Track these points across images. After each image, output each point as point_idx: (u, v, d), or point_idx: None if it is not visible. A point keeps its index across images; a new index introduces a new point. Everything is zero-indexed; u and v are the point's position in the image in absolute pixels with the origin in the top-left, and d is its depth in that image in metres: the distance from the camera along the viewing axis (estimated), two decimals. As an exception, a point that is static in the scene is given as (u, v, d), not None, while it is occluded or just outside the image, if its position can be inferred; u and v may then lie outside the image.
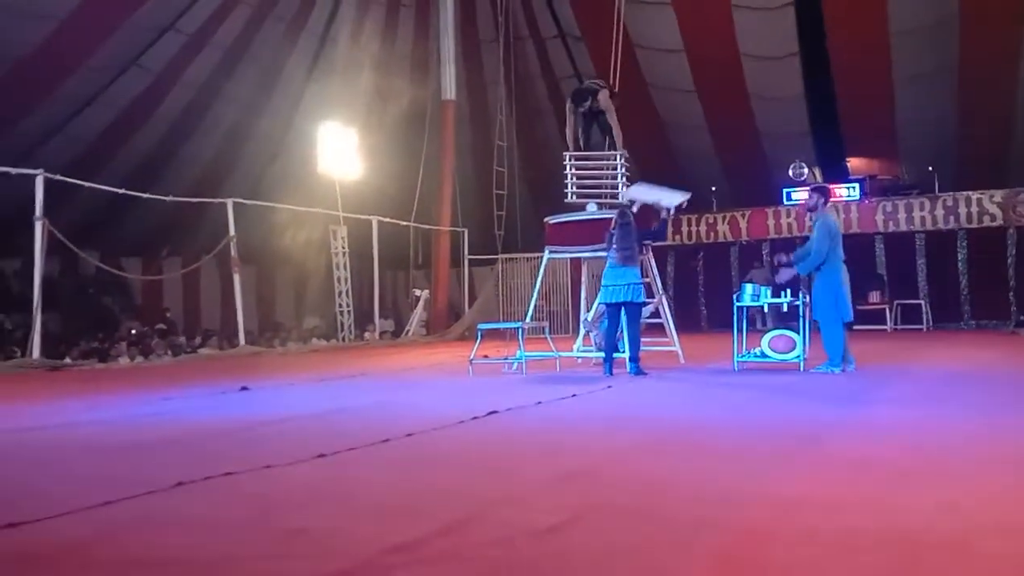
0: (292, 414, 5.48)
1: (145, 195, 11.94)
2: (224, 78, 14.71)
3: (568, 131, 9.81)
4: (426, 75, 17.46)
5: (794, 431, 4.31)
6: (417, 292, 16.39)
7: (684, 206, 9.03)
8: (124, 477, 3.43)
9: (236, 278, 12.73)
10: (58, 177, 10.41)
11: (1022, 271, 14.15)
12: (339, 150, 15.00)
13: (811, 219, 7.86)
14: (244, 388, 7.08)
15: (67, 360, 10.88)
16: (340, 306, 15.13)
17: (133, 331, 14.20)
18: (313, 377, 8.49)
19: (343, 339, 14.88)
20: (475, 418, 4.85)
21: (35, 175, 10.03)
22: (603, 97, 9.59)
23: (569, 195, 9.55)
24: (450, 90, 16.89)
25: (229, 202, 12.84)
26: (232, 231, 12.73)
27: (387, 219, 15.98)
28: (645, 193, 8.83)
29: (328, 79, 16.05)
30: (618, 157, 9.29)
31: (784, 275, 7.87)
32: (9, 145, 12.17)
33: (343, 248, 15.23)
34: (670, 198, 8.77)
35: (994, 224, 14.87)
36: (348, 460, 3.72)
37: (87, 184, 11.05)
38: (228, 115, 15.27)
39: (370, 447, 3.99)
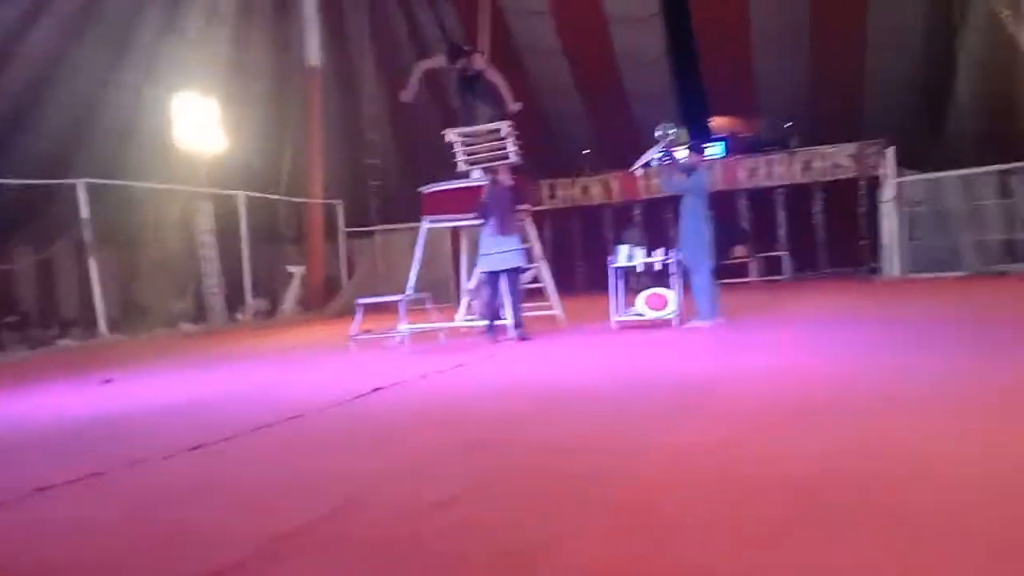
0: (162, 404, 5.18)
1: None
2: (70, 47, 13.55)
3: (411, 86, 9.61)
4: (288, 41, 16.72)
5: (678, 385, 4.44)
6: (291, 268, 15.83)
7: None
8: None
9: (92, 264, 11.90)
10: None
11: (873, 220, 15.16)
12: (199, 122, 14.18)
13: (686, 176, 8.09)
14: (107, 380, 6.63)
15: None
16: (208, 287, 14.43)
17: (-18, 326, 13.05)
18: (182, 364, 8.07)
19: (214, 321, 14.23)
20: (359, 397, 4.74)
21: None
22: (479, 58, 9.42)
23: (460, 166, 9.36)
24: (314, 56, 16.26)
25: (80, 183, 11.93)
26: (85, 214, 11.85)
27: (255, 193, 15.30)
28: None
29: (182, 47, 15.08)
30: (505, 129, 9.06)
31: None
32: None
33: (209, 226, 14.49)
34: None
35: (847, 176, 15.83)
36: (227, 449, 3.55)
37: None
38: (75, 88, 14.11)
39: (249, 434, 3.82)
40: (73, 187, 11.97)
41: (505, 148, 9.00)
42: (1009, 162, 13.19)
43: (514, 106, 9.29)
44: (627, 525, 2.16)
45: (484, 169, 9.05)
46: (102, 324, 11.93)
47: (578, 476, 2.65)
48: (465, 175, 9.34)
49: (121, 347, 11.23)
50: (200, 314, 14.69)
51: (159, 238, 14.69)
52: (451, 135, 9.24)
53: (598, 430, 3.39)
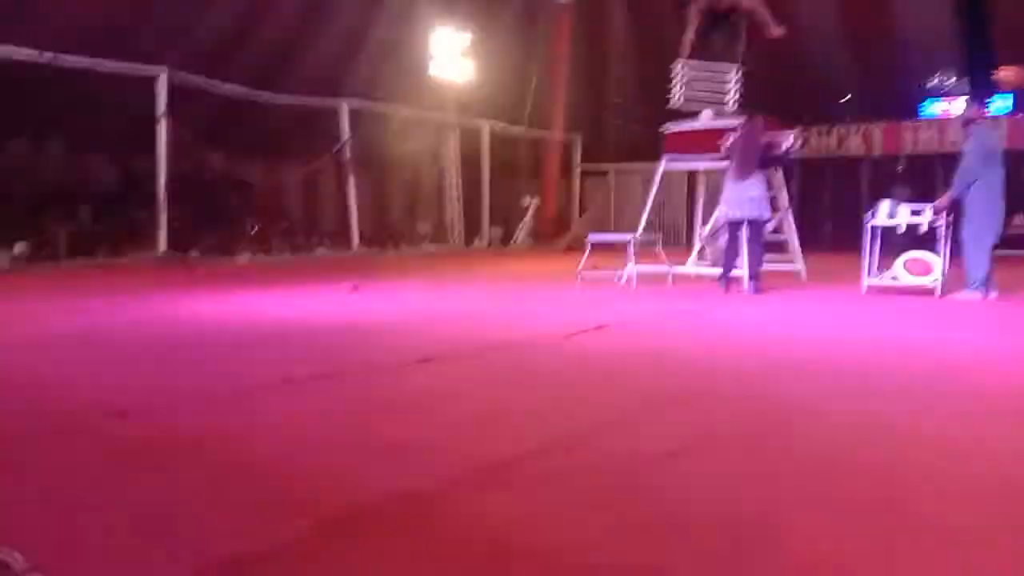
0: (399, 318, 5.47)
1: (263, 96, 12.05)
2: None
3: (686, 34, 8.97)
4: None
5: (938, 362, 3.91)
6: (526, 200, 16.17)
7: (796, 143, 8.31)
8: (235, 372, 3.48)
9: (351, 181, 12.87)
10: (181, 73, 10.62)
11: None
12: (452, 54, 14.69)
13: (965, 135, 7.07)
14: (355, 288, 7.15)
15: (192, 253, 11.36)
16: (451, 212, 15.14)
17: (254, 229, 14.66)
18: (422, 280, 8.52)
19: (453, 243, 14.95)
20: (583, 331, 4.68)
21: (158, 73, 10.26)
22: None
23: (674, 99, 8.89)
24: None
25: (343, 104, 12.85)
26: (346, 134, 12.79)
27: (499, 123, 15.68)
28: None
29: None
30: (733, 73, 8.47)
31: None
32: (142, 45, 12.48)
33: (455, 154, 15.11)
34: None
35: None
36: (452, 368, 3.64)
37: (207, 82, 11.22)
38: (344, 15, 15.11)
39: (475, 356, 3.89)
40: (336, 108, 12.90)
41: (726, 93, 8.41)
42: None
43: (777, 30, 8.58)
44: (866, 522, 1.89)
45: (717, 112, 8.50)
46: (355, 238, 12.92)
47: (811, 444, 2.38)
48: (687, 114, 8.82)
49: (370, 259, 12.12)
50: (441, 236, 15.50)
51: (410, 163, 15.59)
52: (679, 66, 8.73)
53: (835, 401, 3.05)
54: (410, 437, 2.48)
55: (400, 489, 1.98)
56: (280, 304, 6.35)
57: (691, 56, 8.81)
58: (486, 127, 15.43)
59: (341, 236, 14.59)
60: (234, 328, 4.97)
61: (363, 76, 15.81)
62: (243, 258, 12.13)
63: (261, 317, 5.53)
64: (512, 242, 15.97)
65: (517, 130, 16.29)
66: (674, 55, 9.22)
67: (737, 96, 8.55)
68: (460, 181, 15.20)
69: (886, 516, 1.86)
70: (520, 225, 16.24)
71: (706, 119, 8.68)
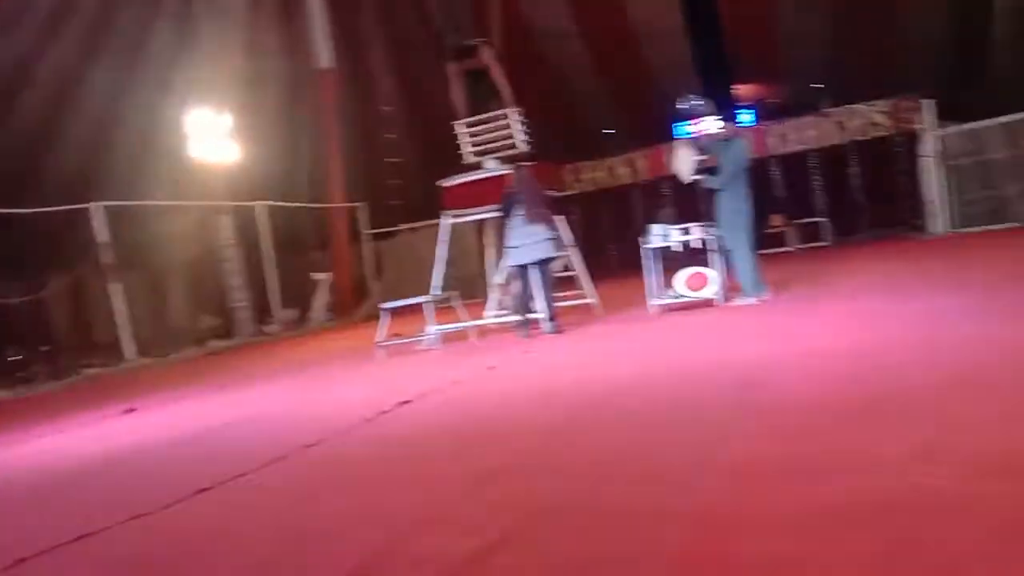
0: (178, 436, 4.86)
1: (3, 210, 10.77)
2: (84, 67, 13.41)
3: (454, 95, 9.08)
4: (298, 44, 16.39)
5: (732, 378, 3.99)
6: (316, 275, 15.57)
7: None
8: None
9: (113, 287, 11.73)
10: None
11: (913, 178, 14.46)
12: (213, 135, 13.95)
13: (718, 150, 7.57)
14: (129, 410, 6.36)
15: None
16: (235, 301, 14.22)
17: (11, 358, 12.96)
18: (205, 387, 7.78)
19: (242, 335, 14.03)
20: (384, 412, 4.36)
21: None
22: (486, 52, 8.92)
23: (465, 157, 8.97)
24: (326, 58, 15.93)
25: (94, 207, 11.77)
26: (103, 237, 11.67)
27: (274, 203, 15.05)
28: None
29: (196, 62, 14.83)
30: (511, 115, 8.66)
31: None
32: None
33: (230, 239, 14.26)
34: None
35: (882, 134, 15.12)
36: (235, 491, 3.19)
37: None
38: (90, 109, 13.98)
39: (264, 468, 3.45)
40: (88, 211, 11.81)
41: (512, 137, 8.60)
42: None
43: (511, 106, 8.81)
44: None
45: (502, 159, 8.64)
46: (129, 348, 11.76)
47: (632, 513, 2.23)
48: (478, 167, 8.91)
49: (148, 371, 11.05)
50: (229, 329, 14.50)
51: (181, 256, 14.53)
52: (459, 127, 8.83)
53: (655, 445, 2.96)
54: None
55: None
56: (33, 446, 5.47)
57: (466, 114, 8.89)
58: (260, 207, 14.74)
59: (114, 350, 13.25)
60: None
61: (117, 172, 14.65)
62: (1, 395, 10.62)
63: (9, 466, 4.70)
64: (308, 322, 15.27)
65: (296, 206, 15.71)
66: (444, 109, 9.28)
67: (524, 139, 8.69)
68: (241, 266, 14.34)
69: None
70: (314, 302, 15.58)
71: (491, 168, 8.72)
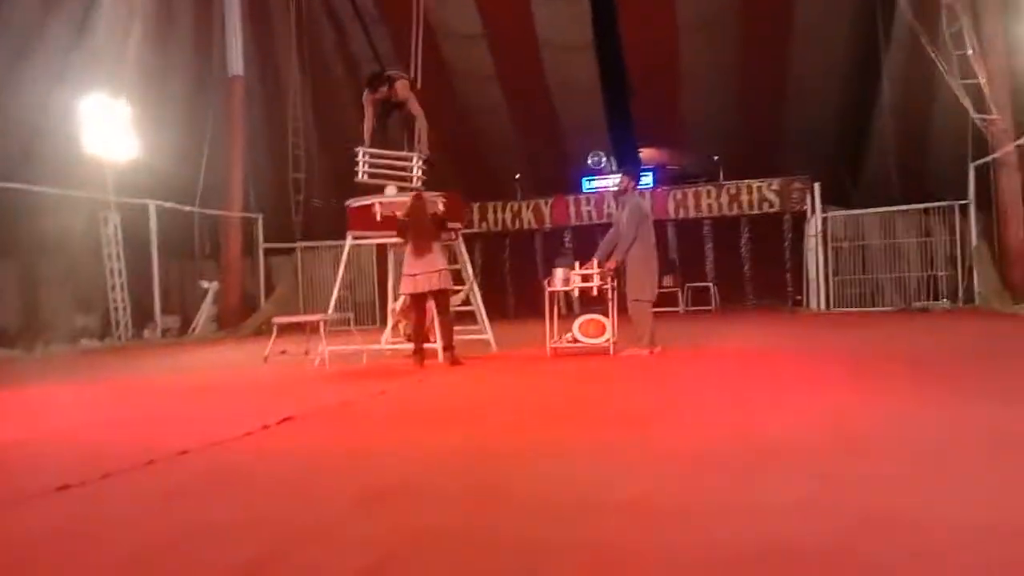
0: (36, 434, 4.52)
1: None
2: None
3: (365, 122, 8.95)
4: (209, 47, 15.94)
5: (620, 420, 4.07)
6: (205, 284, 14.95)
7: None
8: None
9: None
10: None
11: (796, 254, 15.34)
12: (109, 126, 13.28)
13: (617, 204, 7.83)
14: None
15: None
16: (114, 301, 13.47)
17: None
18: (78, 383, 7.30)
19: (119, 338, 13.27)
20: (266, 427, 4.20)
21: None
22: (401, 86, 8.84)
23: (360, 175, 8.77)
24: (237, 65, 15.56)
25: (-27, 185, 10.97)
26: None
27: (167, 204, 14.43)
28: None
29: (94, 48, 14.16)
30: (415, 159, 8.60)
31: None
32: None
33: (116, 237, 13.54)
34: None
35: (772, 210, 16.01)
36: (101, 491, 2.98)
37: None
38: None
39: (132, 472, 3.25)
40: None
41: (409, 173, 8.57)
42: (927, 201, 13.52)
43: (425, 153, 8.77)
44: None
45: (400, 188, 8.57)
46: (-8, 339, 10.91)
47: (513, 539, 2.22)
48: (378, 190, 8.80)
49: (12, 362, 10.28)
50: (105, 330, 13.69)
51: (63, 248, 13.69)
52: (360, 152, 8.67)
53: (542, 479, 2.97)
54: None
55: None
56: None
57: (372, 144, 8.75)
58: (152, 206, 14.09)
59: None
60: None
61: (5, 154, 13.72)
62: None
63: None
64: (191, 330, 14.62)
65: (190, 209, 15.12)
66: (353, 131, 9.15)
67: (420, 177, 8.63)
68: (124, 267, 13.61)
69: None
70: (200, 311, 14.94)
71: (391, 193, 8.63)
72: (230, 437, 3.94)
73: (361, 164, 8.61)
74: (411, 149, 8.75)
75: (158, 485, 3.08)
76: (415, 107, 8.79)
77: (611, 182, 16.06)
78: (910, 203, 13.72)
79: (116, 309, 13.46)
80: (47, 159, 13.51)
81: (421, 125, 8.79)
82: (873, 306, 13.74)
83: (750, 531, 2.14)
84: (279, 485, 3.05)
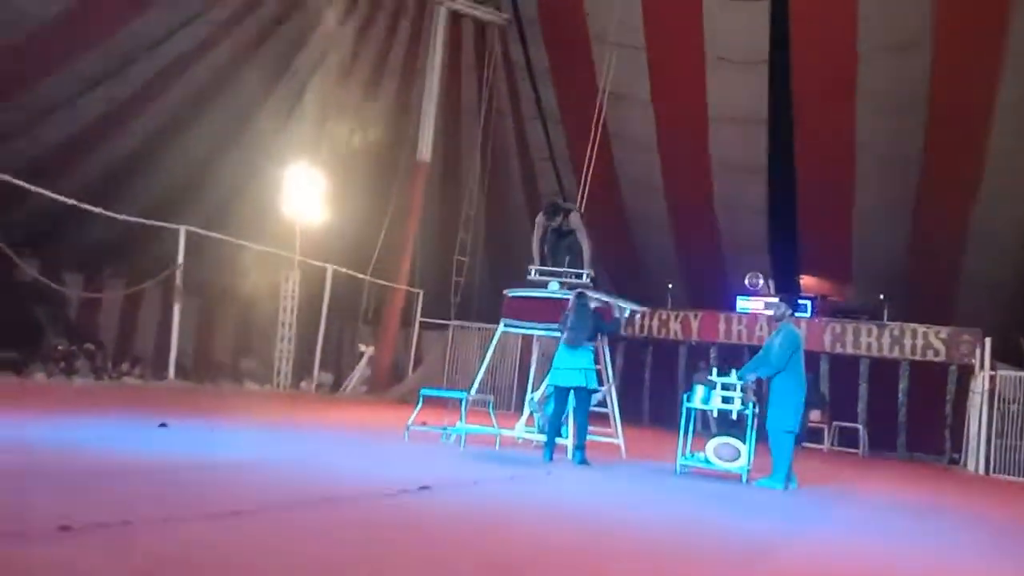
0: (210, 460, 5.09)
1: (98, 210, 11.47)
2: (198, 110, 14.46)
3: (535, 241, 9.58)
4: (403, 132, 17.43)
5: (739, 543, 4.10)
6: (362, 347, 15.94)
7: (637, 316, 8.99)
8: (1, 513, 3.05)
9: (176, 308, 12.24)
10: (4, 178, 9.97)
11: (960, 409, 14.37)
12: (304, 192, 14.73)
13: (770, 328, 7.82)
14: (163, 425, 6.62)
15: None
16: (280, 351, 14.62)
17: (59, 347, 13.47)
18: (242, 421, 8.04)
19: (279, 385, 14.34)
20: (404, 491, 4.54)
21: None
22: (574, 217, 9.48)
23: (532, 273, 9.32)
24: (426, 151, 16.88)
25: (182, 229, 12.45)
26: (181, 259, 12.29)
27: (343, 269, 15.66)
28: (602, 297, 8.86)
29: (302, 122, 15.90)
30: (584, 275, 9.08)
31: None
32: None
33: (293, 293, 14.81)
34: (626, 304, 8.74)
35: (937, 359, 15.14)
36: (262, 522, 3.39)
37: (36, 190, 10.58)
38: (198, 146, 14.96)
39: (286, 510, 3.65)
40: (176, 232, 12.46)
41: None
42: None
43: (588, 270, 9.21)
44: None
45: (564, 284, 8.96)
46: (171, 367, 12.13)
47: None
48: (543, 285, 9.25)
49: (184, 393, 11.35)
50: (266, 376, 14.85)
51: (245, 296, 15.11)
52: (534, 272, 9.25)
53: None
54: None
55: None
56: (71, 434, 5.75)
57: (541, 262, 9.31)
58: (329, 269, 15.35)
59: (156, 365, 13.68)
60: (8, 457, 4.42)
61: (208, 205, 15.50)
62: (38, 378, 11.04)
63: (45, 448, 4.97)
64: (343, 389, 15.55)
65: (361, 277, 16.31)
66: (517, 224, 9.75)
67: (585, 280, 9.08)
68: (295, 321, 14.82)
69: None
70: (353, 372, 15.90)
71: (553, 288, 9.06)
72: (374, 494, 4.31)
73: (533, 273, 9.17)
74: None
75: (313, 526, 3.46)
76: (583, 238, 9.30)
77: (765, 305, 15.82)
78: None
79: (280, 358, 14.58)
80: (247, 217, 15.13)
81: (586, 249, 9.27)
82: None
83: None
84: (411, 548, 3.34)
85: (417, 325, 17.49)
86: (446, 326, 17.61)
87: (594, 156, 13.43)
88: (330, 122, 15.95)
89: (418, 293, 17.46)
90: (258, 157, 15.37)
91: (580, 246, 9.20)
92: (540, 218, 9.49)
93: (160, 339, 14.55)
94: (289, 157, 14.81)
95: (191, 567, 2.60)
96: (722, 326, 17.24)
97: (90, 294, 15.23)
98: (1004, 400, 13.26)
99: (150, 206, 13.74)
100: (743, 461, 7.38)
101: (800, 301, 16.74)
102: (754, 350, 8.17)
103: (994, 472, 12.94)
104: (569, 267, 9.16)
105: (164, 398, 9.95)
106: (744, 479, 7.27)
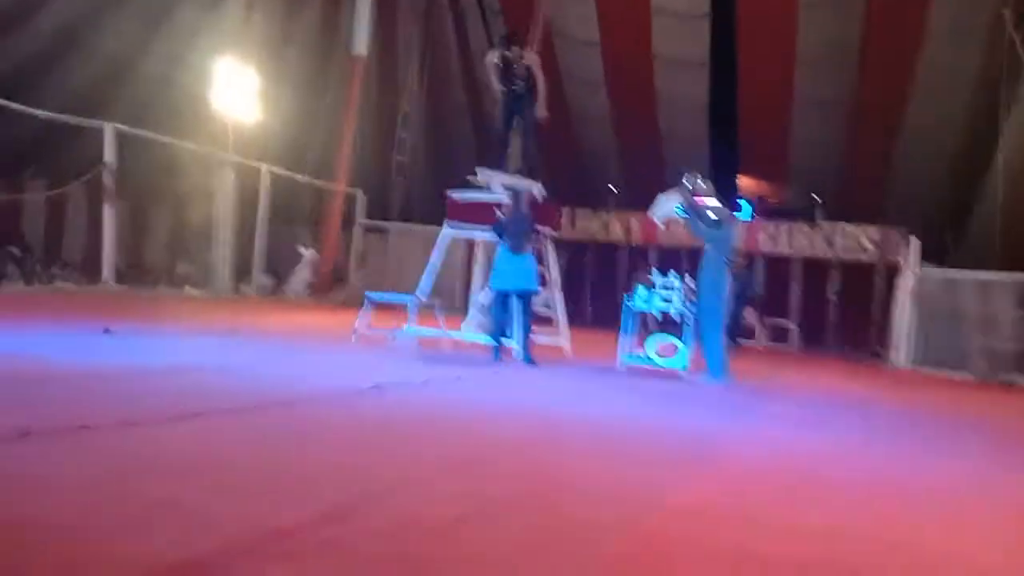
0: (160, 366, 5.06)
1: (15, 106, 10.81)
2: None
3: (493, 80, 9.34)
4: (336, 26, 16.71)
5: (684, 438, 4.33)
6: (302, 250, 15.73)
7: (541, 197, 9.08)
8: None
9: (107, 210, 11.80)
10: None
11: (886, 307, 15.05)
12: (236, 89, 14.11)
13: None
14: (107, 331, 6.50)
15: None
16: (218, 255, 14.32)
17: (-15, 253, 12.91)
18: (185, 326, 7.95)
19: (218, 289, 14.12)
20: (358, 391, 4.62)
21: None
22: (531, 53, 9.37)
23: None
24: (361, 46, 16.26)
25: (109, 126, 11.86)
26: (109, 157, 11.77)
27: (279, 169, 15.24)
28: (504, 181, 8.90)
29: (229, 14, 15.04)
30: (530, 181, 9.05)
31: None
32: None
33: (230, 194, 14.40)
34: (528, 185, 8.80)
35: (866, 260, 15.76)
36: (222, 425, 3.43)
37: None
38: (116, 38, 14.06)
39: (247, 412, 3.70)
40: (100, 128, 11.88)
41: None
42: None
43: (543, 112, 9.20)
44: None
45: (506, 186, 8.94)
46: (107, 272, 11.80)
47: (587, 524, 2.53)
48: (484, 186, 9.22)
49: (123, 298, 11.11)
50: (205, 280, 14.57)
51: (178, 198, 14.64)
52: (481, 175, 9.18)
53: (604, 473, 3.27)
54: (181, 500, 2.30)
55: (176, 559, 1.83)
56: (18, 341, 5.63)
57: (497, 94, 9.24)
58: (266, 169, 14.91)
59: (88, 270, 13.26)
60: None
61: (133, 100, 14.71)
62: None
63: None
64: (282, 291, 15.40)
65: (299, 177, 15.90)
66: (458, 120, 9.61)
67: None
68: (232, 223, 14.46)
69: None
70: (293, 275, 15.72)
71: (496, 192, 9.01)
72: (329, 395, 4.38)
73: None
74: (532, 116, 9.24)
75: (271, 426, 3.52)
76: (539, 73, 9.20)
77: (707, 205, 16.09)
78: (1011, 271, 13.32)
79: (218, 262, 14.30)
80: (174, 110, 14.42)
81: (543, 87, 9.18)
82: (957, 371, 13.38)
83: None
84: (369, 442, 3.44)
85: (358, 227, 17.27)
86: (387, 229, 17.45)
87: (536, 52, 13.19)
88: (257, 12, 15.17)
89: (358, 194, 17.16)
90: (185, 50, 14.57)
91: (534, 81, 9.12)
92: (491, 56, 9.29)
93: (90, 243, 14.06)
94: (217, 49, 14.09)
95: (156, 469, 2.63)
96: (661, 229, 17.48)
97: (11, 195, 14.53)
98: (928, 298, 13.94)
99: (71, 101, 12.99)
100: (682, 358, 7.69)
101: (738, 202, 17.08)
102: (694, 254, 8.36)
103: (917, 365, 13.70)
104: (525, 108, 9.08)
105: (101, 304, 9.72)
106: (683, 375, 7.59)
